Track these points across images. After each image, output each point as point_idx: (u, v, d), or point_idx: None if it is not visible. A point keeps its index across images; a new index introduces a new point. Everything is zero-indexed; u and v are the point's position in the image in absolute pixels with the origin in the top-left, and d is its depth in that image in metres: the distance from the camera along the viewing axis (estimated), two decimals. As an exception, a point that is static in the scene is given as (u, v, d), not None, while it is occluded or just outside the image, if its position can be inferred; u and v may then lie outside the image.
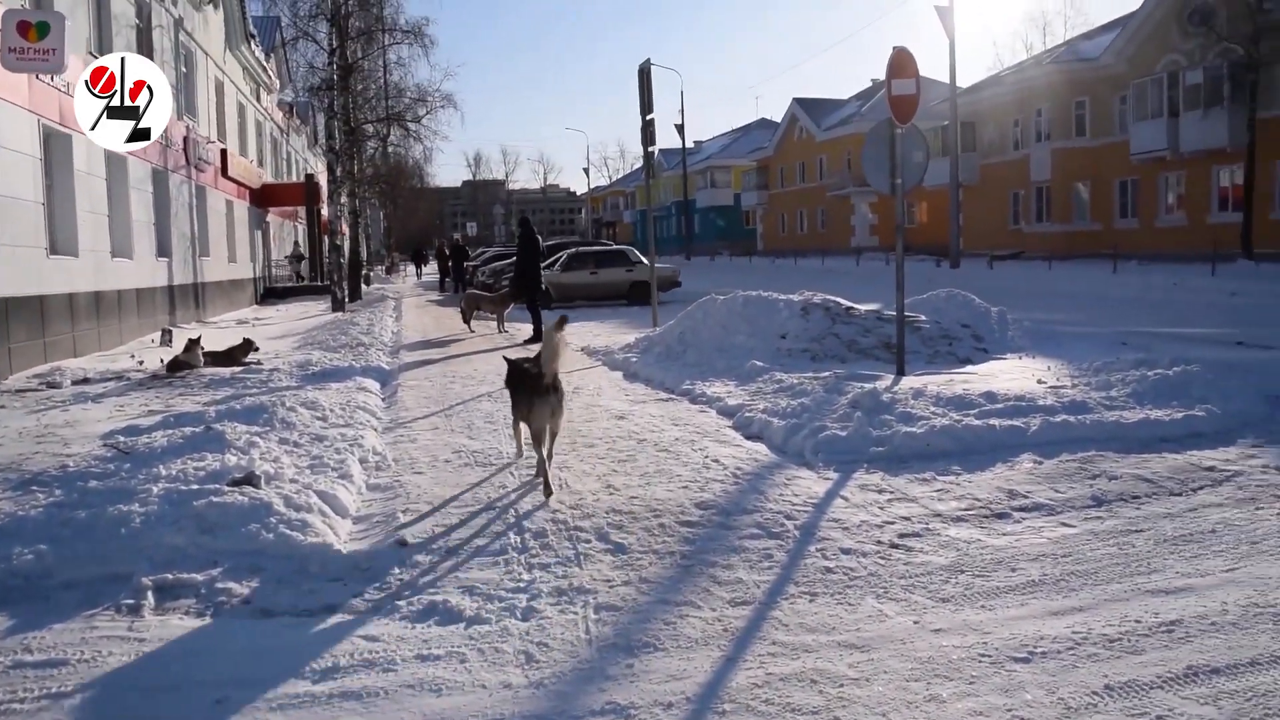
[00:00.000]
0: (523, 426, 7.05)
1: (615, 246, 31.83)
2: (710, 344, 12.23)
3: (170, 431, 7.66)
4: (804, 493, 6.28)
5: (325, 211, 32.62)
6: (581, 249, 27.50)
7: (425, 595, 4.87)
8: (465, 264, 32.80)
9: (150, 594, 4.91)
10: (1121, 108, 38.17)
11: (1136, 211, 38.14)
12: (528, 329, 16.98)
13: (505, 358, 7.63)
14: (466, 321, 19.26)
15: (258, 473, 6.18)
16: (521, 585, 4.96)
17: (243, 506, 5.63)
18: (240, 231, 30.69)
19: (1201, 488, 6.24)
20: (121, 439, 7.61)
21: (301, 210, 41.63)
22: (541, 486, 6.46)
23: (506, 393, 7.51)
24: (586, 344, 15.59)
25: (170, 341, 16.93)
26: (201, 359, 12.87)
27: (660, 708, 3.68)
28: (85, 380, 12.77)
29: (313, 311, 25.60)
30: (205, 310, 24.71)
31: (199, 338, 13.43)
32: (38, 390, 12.16)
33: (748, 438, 8.01)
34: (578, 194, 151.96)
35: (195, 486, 6.02)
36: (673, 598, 4.73)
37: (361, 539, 5.78)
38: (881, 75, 24.03)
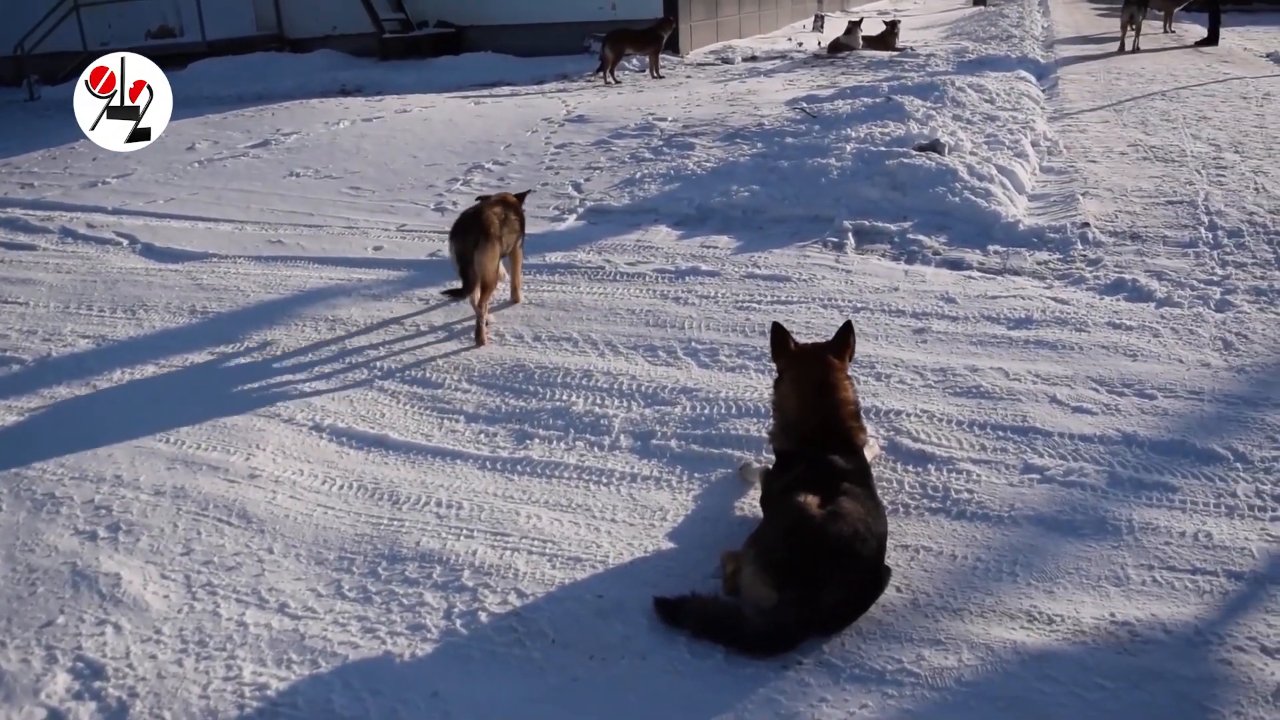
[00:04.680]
0: None
1: None
2: None
3: (850, 101, 8.15)
4: None
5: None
6: None
7: (1111, 272, 4.87)
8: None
9: (851, 235, 5.50)
10: None
11: None
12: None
13: None
14: (1126, 26, 17.20)
15: (941, 140, 6.41)
16: (1215, 278, 4.74)
17: (930, 169, 5.93)
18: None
19: None
20: (805, 104, 8.26)
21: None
22: None
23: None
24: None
25: (821, 27, 17.54)
26: (860, 42, 13.24)
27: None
28: (753, 58, 13.90)
29: (954, 4, 24.70)
30: (849, 0, 25.06)
31: (860, 20, 13.76)
32: (714, 65, 13.56)
33: None
34: None
35: (883, 149, 6.44)
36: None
37: (1040, 214, 5.83)
38: None
